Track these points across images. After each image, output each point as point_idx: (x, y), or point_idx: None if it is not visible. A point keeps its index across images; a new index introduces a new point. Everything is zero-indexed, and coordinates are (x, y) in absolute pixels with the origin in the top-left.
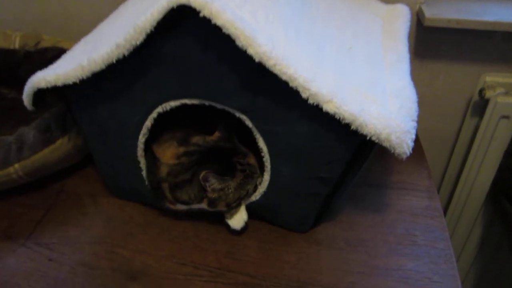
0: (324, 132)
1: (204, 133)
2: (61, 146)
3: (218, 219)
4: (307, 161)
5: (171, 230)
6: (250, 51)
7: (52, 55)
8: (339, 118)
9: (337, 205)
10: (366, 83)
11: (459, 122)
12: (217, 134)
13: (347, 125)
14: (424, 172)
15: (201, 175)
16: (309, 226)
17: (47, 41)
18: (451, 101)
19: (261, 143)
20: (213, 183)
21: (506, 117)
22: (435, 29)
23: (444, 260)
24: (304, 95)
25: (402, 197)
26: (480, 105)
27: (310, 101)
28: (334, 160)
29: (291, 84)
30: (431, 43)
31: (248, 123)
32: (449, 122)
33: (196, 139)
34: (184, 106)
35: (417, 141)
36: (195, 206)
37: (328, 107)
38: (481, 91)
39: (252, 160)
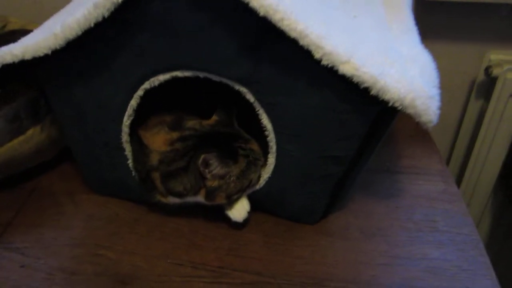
0: (339, 102)
1: (198, 117)
2: (32, 137)
3: (217, 212)
4: (318, 138)
5: (163, 227)
6: (254, 3)
7: (20, 38)
8: (357, 82)
9: (348, 192)
10: (381, 47)
11: (462, 105)
12: (215, 118)
13: (366, 92)
14: (434, 156)
15: (201, 158)
16: (319, 216)
17: (14, 24)
18: (454, 83)
19: (265, 120)
20: (215, 168)
21: None
22: (435, 5)
23: (472, 247)
24: (317, 55)
25: (415, 182)
26: (486, 85)
27: (324, 62)
28: (349, 135)
29: (301, 43)
30: (432, 21)
31: (250, 97)
32: (452, 106)
33: (191, 123)
34: (174, 83)
35: None
36: (190, 198)
37: (345, 69)
38: (487, 69)
39: (255, 146)
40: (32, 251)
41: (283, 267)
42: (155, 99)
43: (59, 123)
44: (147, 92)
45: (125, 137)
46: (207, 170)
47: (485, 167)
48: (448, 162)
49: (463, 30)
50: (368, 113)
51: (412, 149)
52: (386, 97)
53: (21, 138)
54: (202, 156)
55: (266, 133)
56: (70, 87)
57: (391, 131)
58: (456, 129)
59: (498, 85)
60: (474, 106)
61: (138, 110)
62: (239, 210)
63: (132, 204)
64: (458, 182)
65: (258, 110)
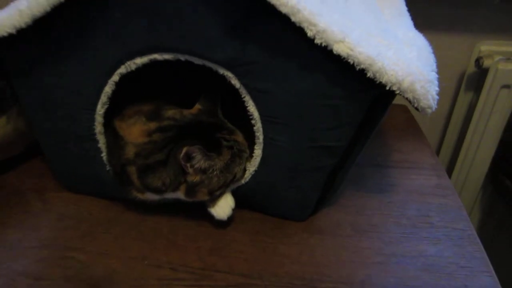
0: (332, 87)
1: (179, 107)
2: None
3: (198, 210)
4: (309, 127)
5: (140, 226)
6: None
7: None
8: (353, 63)
9: (339, 186)
10: (376, 29)
11: (452, 97)
12: (197, 107)
13: (361, 75)
14: (426, 149)
15: (183, 151)
16: (309, 212)
17: None
18: (443, 75)
19: (252, 108)
20: (198, 161)
21: (507, 86)
22: None
23: (469, 242)
24: (310, 32)
25: (407, 177)
26: (477, 77)
27: (317, 40)
28: (343, 123)
29: (293, 19)
30: (421, 12)
31: (235, 82)
32: (442, 98)
33: (171, 112)
34: (153, 68)
35: (412, 118)
36: (170, 195)
37: (339, 49)
38: (478, 60)
39: (239, 137)
40: None
41: (270, 267)
42: (132, 87)
43: (26, 113)
44: (123, 78)
45: (98, 127)
46: (188, 164)
47: (475, 160)
48: (437, 155)
49: (453, 20)
50: (363, 99)
51: (402, 143)
52: (383, 80)
53: None
54: (185, 149)
55: (253, 122)
56: (38, 72)
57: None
58: (445, 122)
59: (489, 76)
60: (464, 98)
61: (113, 99)
62: (223, 207)
63: (107, 202)
64: (448, 175)
65: (244, 97)
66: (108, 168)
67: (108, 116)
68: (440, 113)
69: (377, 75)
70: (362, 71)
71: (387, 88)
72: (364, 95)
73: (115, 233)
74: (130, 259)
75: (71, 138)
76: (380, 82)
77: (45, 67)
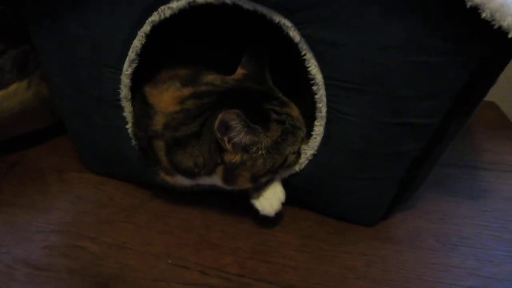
0: (428, 37)
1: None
2: (16, 93)
3: (239, 201)
4: (392, 95)
5: (167, 217)
6: None
7: None
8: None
9: (422, 184)
10: None
11: None
12: (241, 71)
13: (472, 16)
14: None
15: (218, 117)
16: (380, 214)
17: None
18: None
19: (314, 68)
20: (238, 134)
21: None
22: None
23: None
24: None
25: (503, 181)
26: None
27: None
28: (438, 92)
29: None
30: None
31: (294, 34)
32: None
33: (211, 78)
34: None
35: (503, 116)
36: (204, 179)
37: None
38: None
39: (294, 111)
40: None
41: (328, 280)
42: (168, 49)
43: (47, 74)
44: (156, 33)
45: (124, 91)
46: (226, 138)
47: None
48: None
49: None
50: (470, 54)
51: (494, 143)
52: (505, 23)
53: (1, 93)
54: (220, 115)
55: (314, 88)
56: (60, 23)
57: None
58: None
59: None
60: None
61: (145, 62)
62: (270, 200)
63: (132, 187)
64: None
65: (304, 55)
66: (133, 142)
67: (138, 83)
68: None
69: (497, 15)
70: (475, 10)
71: (510, 35)
72: (473, 49)
73: (138, 223)
74: (151, 255)
75: (93, 104)
76: (500, 27)
77: (67, 17)
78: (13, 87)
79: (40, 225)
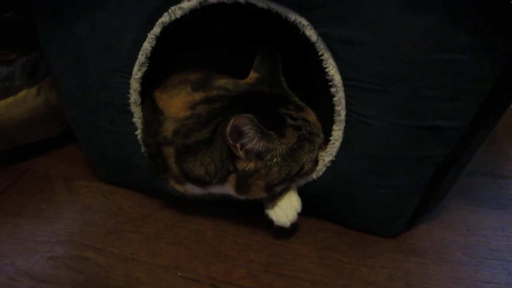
0: (453, 33)
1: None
2: (25, 100)
3: (253, 211)
4: (414, 95)
5: (178, 228)
6: None
7: None
8: None
9: (447, 193)
10: None
11: None
12: (254, 75)
13: (504, 10)
14: None
15: (230, 122)
16: (402, 225)
17: None
18: None
19: (332, 69)
20: (251, 140)
21: None
22: None
23: None
24: None
25: None
26: None
27: None
28: (465, 92)
29: None
30: None
31: (311, 33)
32: None
33: (223, 82)
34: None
35: None
36: (216, 188)
37: None
38: None
39: (311, 116)
40: None
41: None
42: (179, 53)
43: (55, 78)
44: (167, 36)
45: (134, 96)
46: (238, 145)
47: None
48: None
49: None
50: (500, 52)
51: None
52: None
53: (10, 99)
54: (232, 121)
55: (332, 90)
56: (67, 24)
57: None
58: None
59: None
60: None
61: (155, 66)
62: (285, 210)
63: (141, 196)
64: None
65: (322, 55)
66: (143, 149)
67: (148, 87)
68: None
69: None
70: (508, 3)
71: None
72: (503, 45)
73: (147, 233)
74: (160, 267)
75: (101, 109)
76: None
77: (76, 16)
78: (22, 94)
79: (46, 235)
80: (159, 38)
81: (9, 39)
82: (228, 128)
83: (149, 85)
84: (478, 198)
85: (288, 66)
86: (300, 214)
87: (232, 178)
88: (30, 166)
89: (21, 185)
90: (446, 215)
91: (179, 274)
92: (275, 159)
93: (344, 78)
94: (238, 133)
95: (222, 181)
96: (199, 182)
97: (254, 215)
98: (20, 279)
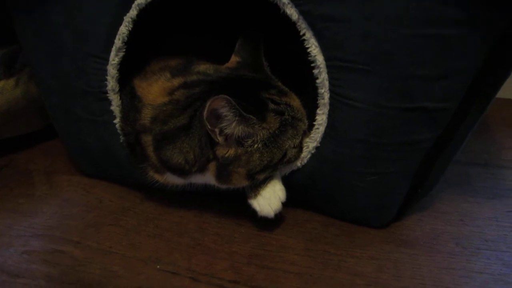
0: (441, 6)
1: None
2: (2, 91)
3: (237, 202)
4: (402, 75)
5: (158, 220)
6: None
7: None
8: None
9: (437, 181)
10: None
11: None
12: (235, 59)
13: None
14: None
15: (207, 104)
16: (391, 215)
17: None
18: None
19: (314, 49)
20: (230, 123)
21: None
22: None
23: None
24: None
25: None
26: None
27: None
28: (454, 70)
29: None
30: None
31: (291, 11)
32: None
33: (203, 67)
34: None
35: None
36: (196, 177)
37: None
38: None
39: (295, 102)
40: None
41: (334, 287)
42: (160, 43)
43: (32, 66)
44: (146, 22)
45: (111, 82)
46: (217, 129)
47: None
48: None
49: None
50: (491, 25)
51: None
52: None
53: None
54: (209, 102)
55: (315, 72)
56: (43, 10)
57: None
58: None
59: None
60: None
61: (135, 53)
62: (269, 199)
63: (124, 189)
64: None
65: (303, 34)
66: (121, 139)
67: (128, 75)
68: None
69: None
70: None
71: None
72: (494, 18)
73: (127, 226)
74: (138, 260)
75: (78, 98)
76: None
77: (51, 3)
78: None
79: (22, 229)
80: (136, 23)
81: None
82: (205, 111)
83: (129, 73)
84: (472, 189)
85: (271, 52)
86: (286, 205)
87: (212, 166)
88: (10, 162)
89: (0, 179)
90: (438, 205)
91: (158, 267)
92: (256, 145)
93: (327, 59)
94: (216, 117)
95: (202, 169)
96: (178, 171)
97: (237, 206)
98: None
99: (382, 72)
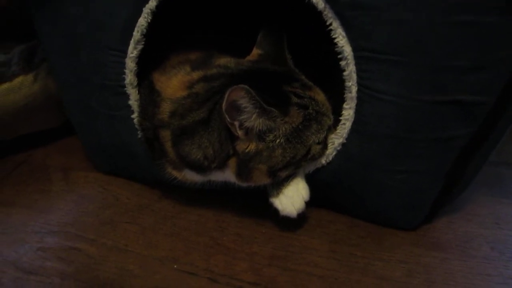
0: None
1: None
2: (21, 86)
3: (258, 200)
4: (435, 66)
5: (177, 218)
6: None
7: None
8: None
9: (471, 182)
10: None
11: None
12: (257, 52)
13: None
14: None
15: (226, 95)
16: (422, 216)
17: None
18: None
19: (341, 39)
20: (249, 114)
21: None
22: None
23: None
24: None
25: None
26: None
27: None
28: (492, 61)
29: None
30: None
31: (317, 0)
32: None
33: (224, 61)
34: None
35: None
36: (215, 174)
37: None
38: None
39: (320, 96)
40: None
41: None
42: (181, 38)
43: (50, 61)
44: (167, 16)
45: (129, 76)
46: (237, 123)
47: None
48: None
49: None
50: None
51: None
52: None
53: (5, 86)
54: (228, 93)
55: (342, 64)
56: (60, 2)
57: None
58: None
59: None
60: None
61: (155, 47)
62: (292, 198)
63: (141, 186)
64: None
65: (330, 24)
66: (139, 134)
67: (147, 69)
68: None
69: None
70: None
71: None
72: None
73: (143, 224)
74: (154, 259)
75: (95, 92)
76: None
77: None
78: (18, 80)
79: (37, 225)
80: (156, 15)
81: (9, 31)
82: (224, 103)
83: (147, 66)
84: (506, 190)
85: (296, 47)
86: (309, 205)
87: (232, 162)
88: (28, 158)
89: (17, 175)
90: (470, 207)
91: (175, 266)
92: (278, 140)
93: (355, 49)
94: (236, 109)
95: (221, 166)
96: (197, 167)
97: (258, 205)
98: (5, 270)
99: (413, 63)
